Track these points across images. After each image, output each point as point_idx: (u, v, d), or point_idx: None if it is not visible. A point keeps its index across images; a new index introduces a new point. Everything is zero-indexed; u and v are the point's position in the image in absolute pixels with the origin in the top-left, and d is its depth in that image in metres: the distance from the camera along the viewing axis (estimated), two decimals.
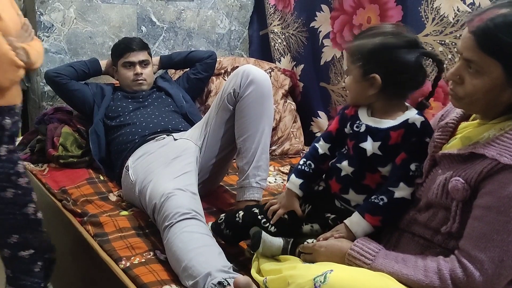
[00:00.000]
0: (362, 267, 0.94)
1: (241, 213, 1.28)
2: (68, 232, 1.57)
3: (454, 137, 1.02)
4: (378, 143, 1.08)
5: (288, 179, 1.24)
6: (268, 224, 1.22)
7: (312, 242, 1.12)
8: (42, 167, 1.94)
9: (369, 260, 0.94)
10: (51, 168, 1.92)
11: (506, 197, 0.82)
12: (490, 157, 0.86)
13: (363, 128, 1.11)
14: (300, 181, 1.20)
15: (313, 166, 1.21)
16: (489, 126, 0.93)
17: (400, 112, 1.10)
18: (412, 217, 1.02)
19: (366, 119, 1.12)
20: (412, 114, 1.08)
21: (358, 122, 1.13)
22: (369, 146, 1.08)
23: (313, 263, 1.04)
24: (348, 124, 1.15)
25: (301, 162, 1.22)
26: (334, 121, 1.22)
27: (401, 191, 1.04)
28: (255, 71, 1.57)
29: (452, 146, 0.99)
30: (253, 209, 1.27)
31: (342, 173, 1.14)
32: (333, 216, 1.15)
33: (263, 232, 1.18)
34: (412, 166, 1.05)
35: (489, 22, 0.86)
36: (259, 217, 1.24)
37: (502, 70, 0.86)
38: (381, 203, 1.05)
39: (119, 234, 1.41)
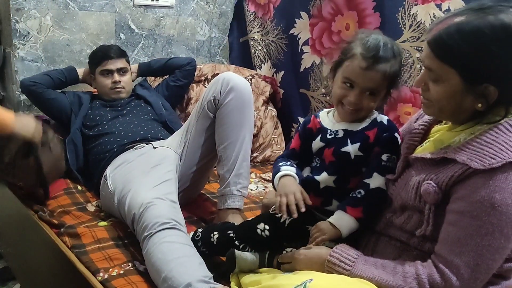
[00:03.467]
0: (342, 273, 0.94)
1: (215, 234, 1.24)
2: (44, 244, 1.53)
3: (427, 139, 1.04)
4: (357, 144, 1.09)
5: (273, 178, 1.17)
6: (247, 248, 1.18)
7: (291, 250, 1.11)
8: None
9: (348, 266, 0.94)
10: None
11: (478, 202, 0.84)
12: (461, 162, 0.88)
13: (341, 134, 1.12)
14: (293, 169, 1.15)
15: (289, 162, 1.18)
16: (459, 131, 0.95)
17: (369, 115, 1.14)
18: (389, 220, 1.03)
19: (338, 126, 1.14)
20: (376, 115, 1.14)
21: (330, 130, 1.14)
22: (351, 149, 1.10)
23: (292, 272, 1.03)
24: (319, 138, 1.15)
25: (282, 163, 1.18)
26: (295, 139, 1.22)
27: (376, 181, 1.06)
28: (235, 78, 1.56)
29: (425, 149, 1.00)
30: (229, 233, 1.22)
31: (321, 186, 1.13)
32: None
33: (236, 251, 1.16)
34: (384, 157, 1.08)
35: (442, 31, 0.89)
36: (236, 242, 1.19)
37: (459, 77, 0.89)
38: (359, 195, 1.06)
39: (97, 245, 1.38)
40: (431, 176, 0.91)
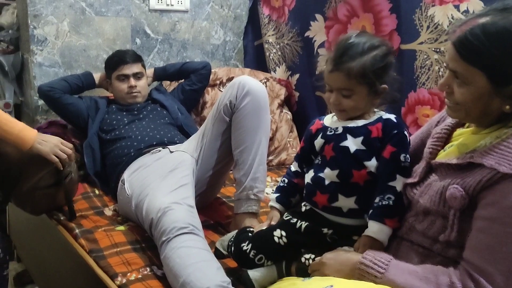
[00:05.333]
0: (375, 276, 0.92)
1: (231, 246, 1.24)
2: (62, 248, 1.54)
3: (450, 143, 1.02)
4: (360, 138, 1.10)
5: None
6: (263, 260, 1.18)
7: (310, 257, 1.10)
8: None
9: (382, 269, 0.92)
10: None
11: (509, 208, 0.81)
12: (489, 166, 0.85)
13: (340, 130, 1.13)
14: (276, 194, 1.29)
15: (287, 181, 1.29)
16: (485, 134, 0.93)
17: (371, 113, 1.14)
18: (411, 225, 1.01)
19: (338, 123, 1.15)
20: (382, 113, 1.13)
21: (330, 128, 1.16)
22: (351, 143, 1.10)
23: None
24: (320, 135, 1.17)
25: (280, 180, 1.31)
26: (301, 141, 1.28)
27: (399, 183, 1.06)
28: (251, 82, 1.56)
29: (449, 154, 0.98)
30: (242, 246, 1.21)
31: (326, 182, 1.13)
32: (330, 231, 1.13)
33: (249, 272, 1.16)
34: (402, 157, 1.07)
35: (468, 32, 0.87)
36: (251, 255, 1.19)
37: (486, 79, 0.87)
38: (391, 202, 1.05)
39: (115, 250, 1.39)
40: (457, 181, 0.89)
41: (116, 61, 2.04)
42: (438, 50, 1.85)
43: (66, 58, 2.21)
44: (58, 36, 2.17)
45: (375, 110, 1.14)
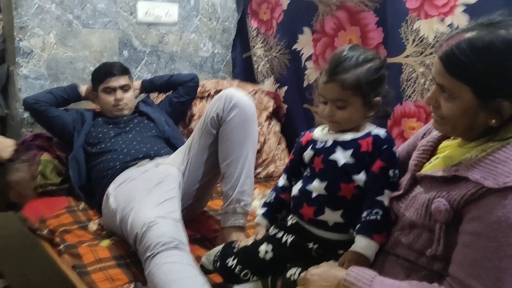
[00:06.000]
0: None
1: (217, 262, 1.23)
2: (46, 263, 1.51)
3: (436, 156, 1.02)
4: (350, 151, 1.09)
5: None
6: (249, 275, 1.17)
7: (295, 272, 1.09)
8: None
9: (366, 286, 0.91)
10: None
11: (495, 223, 0.81)
12: (474, 180, 0.85)
13: (330, 142, 1.13)
14: (263, 210, 1.28)
15: (273, 196, 1.28)
16: (471, 148, 0.93)
17: (362, 127, 1.14)
18: (397, 239, 1.01)
19: (328, 136, 1.15)
20: (372, 128, 1.13)
21: (320, 140, 1.16)
22: (340, 156, 1.10)
23: None
24: (309, 147, 1.17)
25: (268, 195, 1.31)
26: (291, 153, 1.28)
27: (387, 198, 1.06)
28: (238, 94, 1.56)
29: (434, 166, 0.98)
30: (227, 262, 1.20)
31: (314, 195, 1.12)
32: (315, 246, 1.12)
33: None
34: (391, 173, 1.07)
35: (454, 47, 0.87)
36: (237, 270, 1.18)
37: (473, 94, 0.87)
38: (379, 217, 1.04)
39: (99, 265, 1.36)
40: (442, 194, 0.89)
41: (102, 73, 2.02)
42: (423, 63, 1.86)
43: (52, 70, 2.19)
44: (44, 48, 2.16)
45: (366, 123, 1.14)
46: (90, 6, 2.23)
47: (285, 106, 2.55)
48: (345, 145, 1.11)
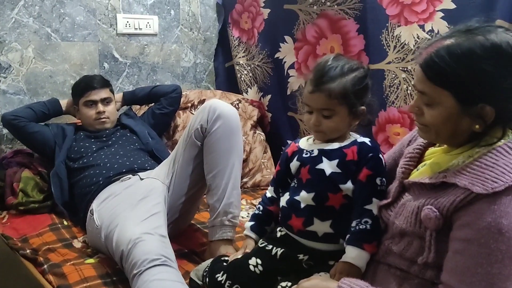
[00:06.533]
0: None
1: (206, 277, 1.21)
2: (28, 285, 1.47)
3: (423, 163, 1.02)
4: (336, 161, 1.09)
5: None
6: None
7: (286, 286, 1.07)
8: (1, 214, 1.83)
9: None
10: (11, 215, 1.82)
11: (485, 228, 0.81)
12: (462, 186, 0.85)
13: (316, 152, 1.13)
14: (251, 223, 1.27)
15: (262, 208, 1.27)
16: (457, 154, 0.93)
17: (346, 136, 1.14)
18: (387, 248, 1.00)
19: (314, 146, 1.15)
20: (357, 136, 1.13)
21: (306, 150, 1.15)
22: (326, 166, 1.10)
23: None
24: (295, 158, 1.16)
25: (256, 207, 1.30)
26: (277, 165, 1.27)
27: (375, 206, 1.05)
28: (222, 105, 1.54)
29: (422, 173, 0.98)
30: (217, 277, 1.17)
31: (302, 205, 1.12)
32: (305, 257, 1.11)
33: None
34: (378, 181, 1.07)
35: (433, 54, 0.88)
36: (226, 286, 1.15)
37: (454, 99, 0.88)
38: (368, 227, 1.03)
39: (84, 285, 1.32)
40: (431, 201, 0.89)
41: (83, 87, 1.99)
42: (405, 69, 1.88)
43: (31, 85, 2.15)
44: (22, 62, 2.11)
45: (350, 133, 1.14)
46: (69, 19, 2.20)
47: (269, 115, 2.54)
48: (330, 154, 1.10)
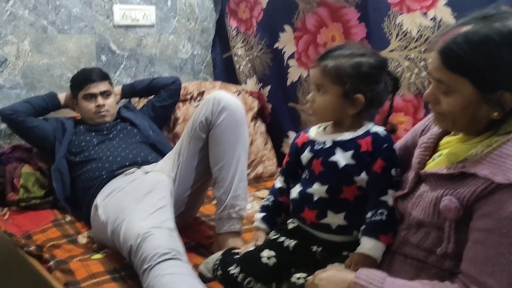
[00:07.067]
0: None
1: (219, 271, 1.19)
2: (35, 282, 1.45)
3: (438, 152, 1.01)
4: (350, 152, 1.07)
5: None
6: (252, 284, 1.12)
7: (300, 277, 1.06)
8: (2, 211, 1.80)
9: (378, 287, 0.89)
10: (12, 211, 1.79)
11: (507, 218, 0.80)
12: (483, 176, 0.84)
13: (328, 143, 1.10)
14: (262, 214, 1.24)
15: (272, 199, 1.25)
16: (475, 143, 0.92)
17: (358, 126, 1.11)
18: (404, 238, 0.99)
19: (326, 137, 1.12)
20: (370, 126, 1.11)
21: (318, 141, 1.13)
22: (340, 158, 1.07)
23: None
24: (307, 149, 1.14)
25: (265, 198, 1.27)
26: (286, 155, 1.25)
27: (391, 197, 1.04)
28: (226, 97, 1.52)
29: (438, 164, 0.97)
30: (229, 270, 1.15)
31: (315, 198, 1.10)
32: (319, 249, 1.10)
33: None
34: (393, 172, 1.06)
35: (451, 41, 0.87)
36: (239, 279, 1.13)
37: (472, 87, 0.87)
38: (384, 218, 1.02)
39: (93, 281, 1.31)
40: (450, 192, 0.88)
41: (82, 80, 1.96)
42: (408, 57, 1.87)
43: (28, 79, 2.11)
44: (19, 56, 2.07)
45: (363, 122, 1.12)
46: (65, 11, 2.16)
47: (269, 106, 2.52)
48: (344, 145, 1.09)
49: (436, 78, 0.90)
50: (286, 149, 2.47)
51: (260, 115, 2.50)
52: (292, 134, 2.42)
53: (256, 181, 2.25)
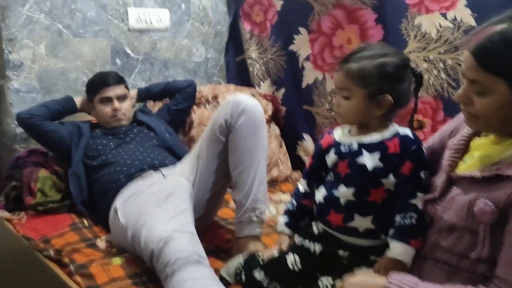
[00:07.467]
0: None
1: (242, 275, 1.18)
2: (55, 286, 1.44)
3: (469, 154, 0.99)
4: (377, 155, 1.06)
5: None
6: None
7: (327, 282, 1.05)
8: (19, 215, 1.79)
9: None
10: (29, 216, 1.78)
11: None
12: None
13: (355, 146, 1.09)
14: (285, 218, 1.24)
15: (295, 203, 1.24)
16: (509, 144, 0.90)
17: (385, 128, 1.09)
18: (434, 242, 0.97)
19: (352, 139, 1.11)
20: (397, 128, 1.09)
21: (344, 143, 1.11)
22: (368, 159, 1.06)
23: None
24: (332, 151, 1.13)
25: (288, 202, 1.27)
26: (310, 157, 1.24)
27: (420, 200, 1.02)
28: (246, 99, 1.51)
29: (471, 166, 0.95)
30: (254, 272, 1.15)
31: (342, 201, 1.08)
32: (346, 253, 1.08)
33: None
34: (422, 174, 1.04)
35: (486, 40, 0.85)
36: (265, 284, 1.12)
37: (507, 86, 0.85)
38: (414, 221, 1.00)
39: (114, 285, 1.29)
40: (484, 195, 0.86)
41: (98, 83, 1.96)
42: (427, 58, 1.85)
43: (44, 83, 2.11)
44: (35, 60, 2.07)
45: (389, 124, 1.10)
46: (80, 14, 2.16)
47: (283, 109, 2.51)
48: (371, 147, 1.07)
49: (470, 78, 0.88)
50: (301, 152, 2.45)
51: (274, 118, 2.49)
52: (307, 137, 2.41)
53: (270, 184, 2.23)
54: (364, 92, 1.06)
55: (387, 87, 1.06)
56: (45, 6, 2.07)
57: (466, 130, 1.02)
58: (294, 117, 2.45)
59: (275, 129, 2.43)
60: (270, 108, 2.44)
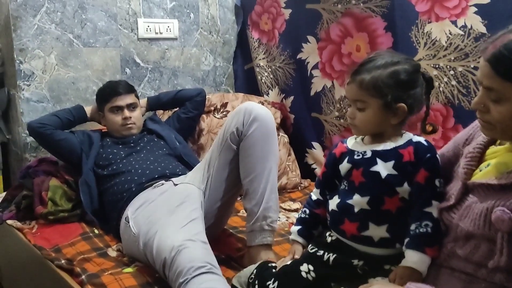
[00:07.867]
0: None
1: (256, 285, 1.17)
2: None
3: (485, 162, 0.98)
4: (392, 163, 1.05)
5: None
6: None
7: None
8: (30, 224, 1.80)
9: None
10: (40, 225, 1.78)
11: None
12: None
13: (369, 154, 1.08)
14: (298, 227, 1.23)
15: (308, 211, 1.23)
16: None
17: (398, 135, 1.09)
18: (450, 251, 0.96)
19: (366, 147, 1.10)
20: (411, 136, 1.09)
21: (357, 152, 1.10)
22: (382, 168, 1.05)
23: None
24: (345, 160, 1.12)
25: (301, 211, 1.27)
26: (322, 166, 1.23)
27: (435, 209, 1.02)
28: (257, 108, 1.51)
29: (487, 174, 0.94)
30: (268, 284, 1.13)
31: (356, 209, 1.07)
32: (360, 262, 1.07)
33: None
34: (437, 182, 1.04)
35: (502, 48, 0.85)
36: None
37: None
38: (429, 230, 0.99)
39: None
40: (502, 202, 0.85)
41: (108, 92, 1.97)
42: (437, 66, 1.84)
43: (54, 92, 2.13)
44: (45, 69, 2.09)
45: (403, 132, 1.10)
46: (90, 24, 2.18)
47: (292, 117, 2.50)
48: (385, 155, 1.06)
49: (486, 85, 0.88)
50: (310, 159, 2.45)
51: (282, 126, 2.48)
52: (316, 145, 2.40)
53: (279, 192, 2.19)
54: (380, 102, 1.05)
55: (402, 94, 1.06)
56: (56, 17, 2.09)
57: (481, 138, 1.01)
58: (302, 125, 2.45)
59: (284, 137, 2.42)
60: (278, 115, 2.44)
